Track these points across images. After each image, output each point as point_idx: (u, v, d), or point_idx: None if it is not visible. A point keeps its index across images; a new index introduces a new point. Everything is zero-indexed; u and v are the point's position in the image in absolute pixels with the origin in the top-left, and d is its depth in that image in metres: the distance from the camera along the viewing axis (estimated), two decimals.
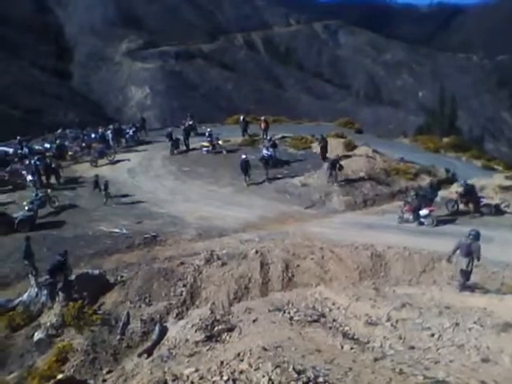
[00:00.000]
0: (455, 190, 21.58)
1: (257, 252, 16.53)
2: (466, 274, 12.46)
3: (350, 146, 29.18)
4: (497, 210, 19.99)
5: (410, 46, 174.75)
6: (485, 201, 20.25)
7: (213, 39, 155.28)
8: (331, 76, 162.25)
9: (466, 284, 12.67)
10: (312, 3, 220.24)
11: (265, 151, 26.66)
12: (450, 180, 25.06)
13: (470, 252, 12.22)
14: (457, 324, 9.80)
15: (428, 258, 15.60)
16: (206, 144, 30.29)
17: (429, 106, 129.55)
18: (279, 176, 25.79)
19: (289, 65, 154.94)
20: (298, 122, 44.39)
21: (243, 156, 25.02)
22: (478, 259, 12.33)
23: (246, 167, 24.53)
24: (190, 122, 34.50)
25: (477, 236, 12.24)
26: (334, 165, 24.08)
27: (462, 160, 32.79)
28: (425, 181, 24.62)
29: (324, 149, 27.19)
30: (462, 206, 20.25)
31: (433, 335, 9.52)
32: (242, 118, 34.10)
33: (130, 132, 33.98)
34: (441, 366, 8.27)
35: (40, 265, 15.84)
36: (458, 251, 12.61)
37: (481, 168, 30.55)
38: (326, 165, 24.87)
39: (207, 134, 30.80)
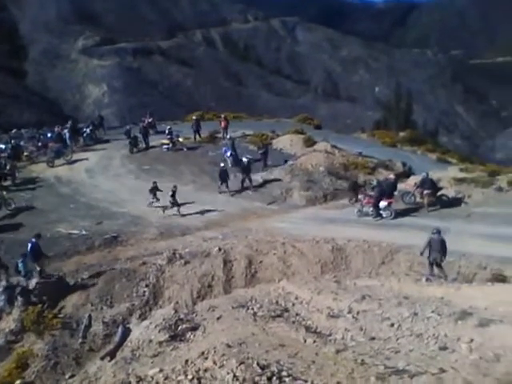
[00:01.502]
0: (413, 181, 22.10)
1: (220, 249, 16.54)
2: (439, 267, 13.59)
3: (310, 142, 29.52)
4: (452, 201, 20.66)
5: (367, 41, 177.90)
6: (444, 192, 20.89)
7: (171, 36, 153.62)
8: (290, 72, 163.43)
9: (432, 274, 13.42)
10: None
11: (228, 153, 26.53)
12: (407, 173, 25.71)
13: (444, 247, 13.54)
14: (415, 314, 10.08)
15: (387, 249, 16.01)
16: (166, 142, 29.98)
17: (385, 101, 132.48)
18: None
19: (248, 61, 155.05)
20: (258, 118, 44.56)
21: (221, 164, 24.38)
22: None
23: (224, 176, 23.70)
24: (150, 120, 33.99)
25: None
26: (245, 169, 24.10)
27: (418, 153, 33.68)
28: (382, 174, 25.18)
29: (265, 155, 26.74)
30: (418, 198, 20.82)
31: (392, 325, 9.77)
32: (194, 118, 33.29)
33: (88, 130, 33.16)
34: (401, 355, 8.50)
35: None
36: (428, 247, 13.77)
37: (436, 161, 31.47)
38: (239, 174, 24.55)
39: (167, 131, 30.46)
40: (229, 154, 26.67)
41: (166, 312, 12.28)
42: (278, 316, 10.99)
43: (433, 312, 10.09)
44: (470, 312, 9.82)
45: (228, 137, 29.95)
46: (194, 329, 10.57)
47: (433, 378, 7.30)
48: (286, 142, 30.31)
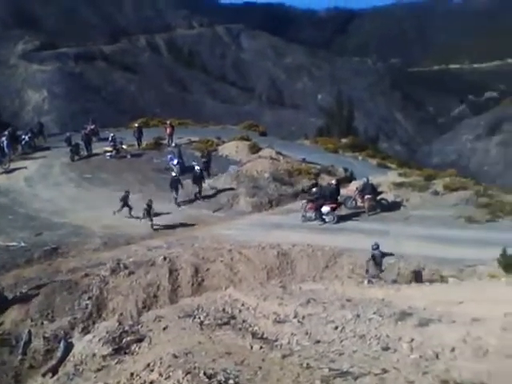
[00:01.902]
0: (355, 186, 22.76)
1: (165, 258, 16.36)
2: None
3: (255, 149, 29.79)
4: (392, 205, 21.45)
5: (310, 49, 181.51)
6: (384, 196, 21.66)
7: (114, 41, 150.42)
8: (235, 79, 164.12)
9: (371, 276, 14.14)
10: (214, 6, 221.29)
11: (175, 161, 26.21)
12: (349, 178, 26.42)
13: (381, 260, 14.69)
14: (358, 315, 10.37)
15: (330, 253, 16.39)
16: (109, 149, 29.32)
17: (328, 108, 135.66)
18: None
19: (193, 67, 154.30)
20: (203, 125, 44.44)
21: (173, 174, 23.94)
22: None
23: (176, 185, 23.13)
24: (92, 127, 33.12)
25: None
26: (197, 178, 23.99)
27: (359, 159, 34.69)
28: (325, 180, 25.75)
29: (207, 163, 26.43)
30: (359, 203, 21.46)
31: (336, 328, 10.00)
32: (136, 125, 32.58)
33: (26, 138, 31.82)
34: (345, 357, 8.71)
35: None
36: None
37: (376, 166, 32.50)
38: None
39: (110, 138, 29.80)
40: (175, 161, 26.41)
41: (109, 324, 11.99)
42: (225, 324, 10.99)
43: (374, 313, 10.41)
44: (410, 312, 10.21)
45: (173, 144, 29.67)
46: (140, 340, 10.39)
47: (376, 378, 7.53)
48: (231, 149, 30.44)
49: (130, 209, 21.35)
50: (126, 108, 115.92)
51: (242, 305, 12.16)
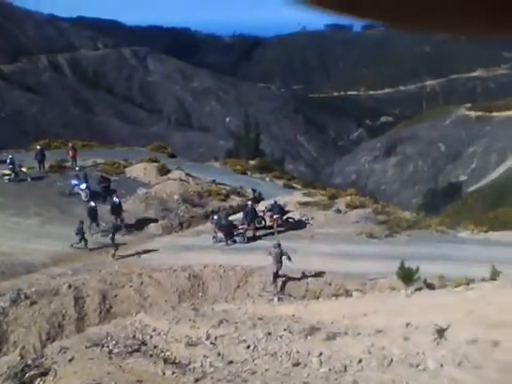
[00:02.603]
0: (263, 207, 23.33)
1: (70, 286, 15.60)
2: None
3: (164, 171, 29.49)
4: (298, 224, 22.26)
5: (216, 74, 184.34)
6: (291, 215, 22.41)
7: (14, 60, 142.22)
8: (142, 101, 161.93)
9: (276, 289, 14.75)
10: (118, 28, 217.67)
11: (83, 185, 24.78)
12: (257, 199, 27.01)
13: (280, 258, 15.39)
14: (269, 333, 10.61)
15: (241, 273, 16.61)
16: (7, 172, 27.47)
17: (236, 131, 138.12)
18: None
19: (98, 89, 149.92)
20: (110, 147, 43.20)
21: (92, 204, 21.92)
22: (290, 258, 15.49)
23: (95, 215, 21.51)
24: None
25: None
26: (116, 209, 22.27)
27: (267, 180, 35.57)
28: (235, 201, 26.13)
29: (105, 188, 25.12)
30: (268, 222, 22.04)
31: (248, 347, 10.16)
32: (38, 147, 30.57)
33: None
34: (257, 375, 8.87)
35: None
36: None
37: (282, 187, 33.49)
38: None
39: (8, 160, 27.97)
40: (84, 186, 25.06)
41: (10, 359, 11.21)
42: (136, 351, 10.73)
43: (285, 330, 10.71)
44: (318, 327, 10.64)
45: (77, 168, 28.51)
46: (44, 374, 9.82)
47: None
48: (139, 171, 29.86)
49: (84, 240, 19.78)
50: (28, 129, 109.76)
51: (153, 330, 11.94)
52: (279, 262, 15.52)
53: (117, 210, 22.17)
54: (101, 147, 41.62)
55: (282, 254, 15.54)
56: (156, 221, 23.57)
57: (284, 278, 16.12)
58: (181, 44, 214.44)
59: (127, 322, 12.85)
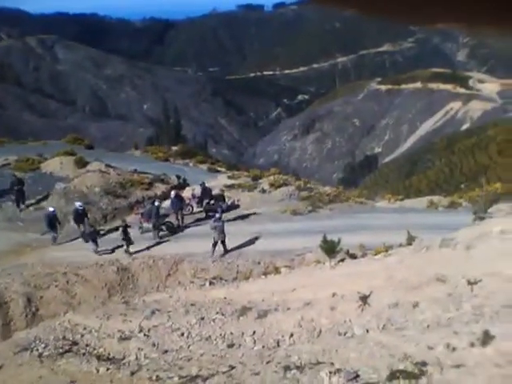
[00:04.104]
0: (190, 192, 23.11)
1: None
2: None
3: (82, 163, 28.30)
4: (229, 207, 22.28)
5: (129, 60, 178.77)
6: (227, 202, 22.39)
7: None
8: (53, 92, 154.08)
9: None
10: (23, 17, 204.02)
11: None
12: (182, 185, 26.73)
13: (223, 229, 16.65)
14: (202, 318, 10.65)
15: (171, 261, 16.45)
16: None
17: (155, 118, 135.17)
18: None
19: (5, 81, 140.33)
20: (22, 142, 40.69)
21: (50, 209, 19.89)
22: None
23: (54, 222, 19.45)
24: None
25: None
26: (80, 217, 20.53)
27: (190, 165, 35.24)
28: (159, 189, 25.66)
29: (20, 192, 22.95)
30: (196, 208, 21.90)
31: (183, 334, 10.14)
32: None
33: None
34: (193, 361, 8.90)
35: None
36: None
37: (207, 171, 33.34)
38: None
39: None
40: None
41: None
42: (67, 351, 10.38)
43: (217, 313, 10.81)
44: (250, 307, 10.83)
45: None
46: None
47: (224, 376, 7.86)
48: (55, 165, 28.41)
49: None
50: None
51: (84, 328, 11.61)
52: (222, 232, 16.61)
53: (80, 217, 20.06)
54: (12, 143, 39.14)
55: (223, 226, 16.65)
56: None
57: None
58: (90, 30, 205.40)
59: (56, 323, 12.38)
